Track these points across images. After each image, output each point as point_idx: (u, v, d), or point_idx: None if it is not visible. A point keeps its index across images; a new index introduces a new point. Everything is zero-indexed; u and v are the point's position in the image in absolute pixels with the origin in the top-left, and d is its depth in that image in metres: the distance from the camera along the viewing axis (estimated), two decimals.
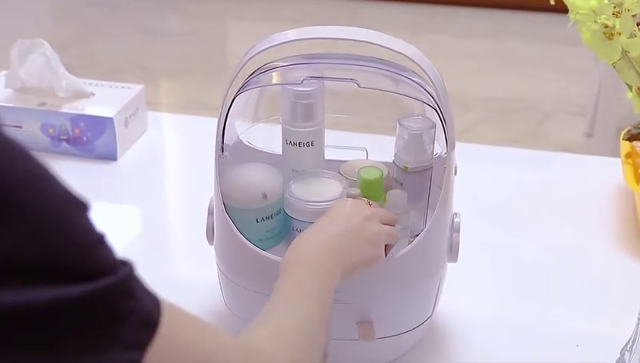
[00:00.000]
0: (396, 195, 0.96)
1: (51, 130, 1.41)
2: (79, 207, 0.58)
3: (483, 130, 2.83)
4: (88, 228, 0.58)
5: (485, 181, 1.36)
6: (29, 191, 0.55)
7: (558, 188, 1.35)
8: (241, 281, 0.96)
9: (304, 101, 0.99)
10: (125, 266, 0.60)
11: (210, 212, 0.98)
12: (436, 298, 0.99)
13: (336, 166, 1.04)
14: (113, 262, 0.59)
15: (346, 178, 1.01)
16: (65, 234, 0.56)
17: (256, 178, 0.98)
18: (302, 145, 1.01)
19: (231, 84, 0.94)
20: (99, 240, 0.59)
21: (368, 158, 1.08)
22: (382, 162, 1.04)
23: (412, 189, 0.98)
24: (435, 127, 0.98)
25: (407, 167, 0.99)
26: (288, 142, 1.01)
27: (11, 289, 0.53)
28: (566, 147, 2.66)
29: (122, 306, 0.58)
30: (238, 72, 0.94)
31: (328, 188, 0.98)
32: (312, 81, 0.98)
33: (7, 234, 0.53)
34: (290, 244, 0.85)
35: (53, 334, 0.55)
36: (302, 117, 1.00)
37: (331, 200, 0.96)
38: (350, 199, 0.91)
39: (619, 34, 1.03)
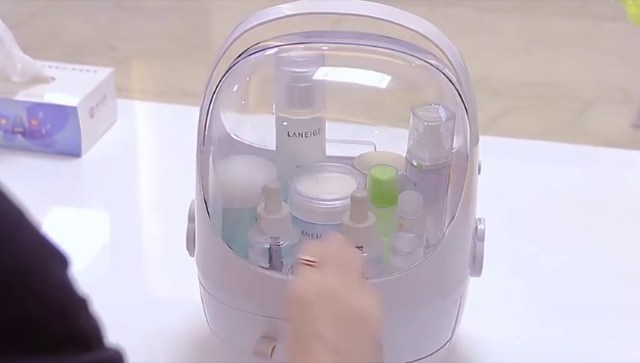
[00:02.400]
0: (408, 197, 0.96)
1: (3, 121, 1.41)
2: (58, 261, 0.56)
3: (511, 120, 2.83)
4: (67, 286, 0.56)
5: (514, 180, 1.35)
6: None
7: (602, 189, 1.35)
8: (228, 300, 0.96)
9: (304, 84, 1.00)
10: (116, 352, 0.57)
11: (191, 218, 0.98)
12: (457, 319, 0.99)
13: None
14: (98, 336, 0.57)
15: (362, 173, 1.00)
16: (36, 289, 0.54)
17: (253, 170, 0.97)
18: (301, 135, 1.01)
19: (215, 67, 0.94)
20: (80, 303, 0.56)
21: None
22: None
23: (428, 190, 0.98)
24: (455, 118, 0.98)
25: (422, 164, 0.99)
26: (284, 133, 1.02)
27: None
28: (610, 140, 2.66)
29: None
30: (224, 53, 0.94)
31: (340, 184, 0.99)
32: (311, 61, 0.98)
33: None
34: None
35: None
36: (303, 103, 1.00)
37: (345, 198, 0.95)
38: (329, 254, 0.81)
39: None
